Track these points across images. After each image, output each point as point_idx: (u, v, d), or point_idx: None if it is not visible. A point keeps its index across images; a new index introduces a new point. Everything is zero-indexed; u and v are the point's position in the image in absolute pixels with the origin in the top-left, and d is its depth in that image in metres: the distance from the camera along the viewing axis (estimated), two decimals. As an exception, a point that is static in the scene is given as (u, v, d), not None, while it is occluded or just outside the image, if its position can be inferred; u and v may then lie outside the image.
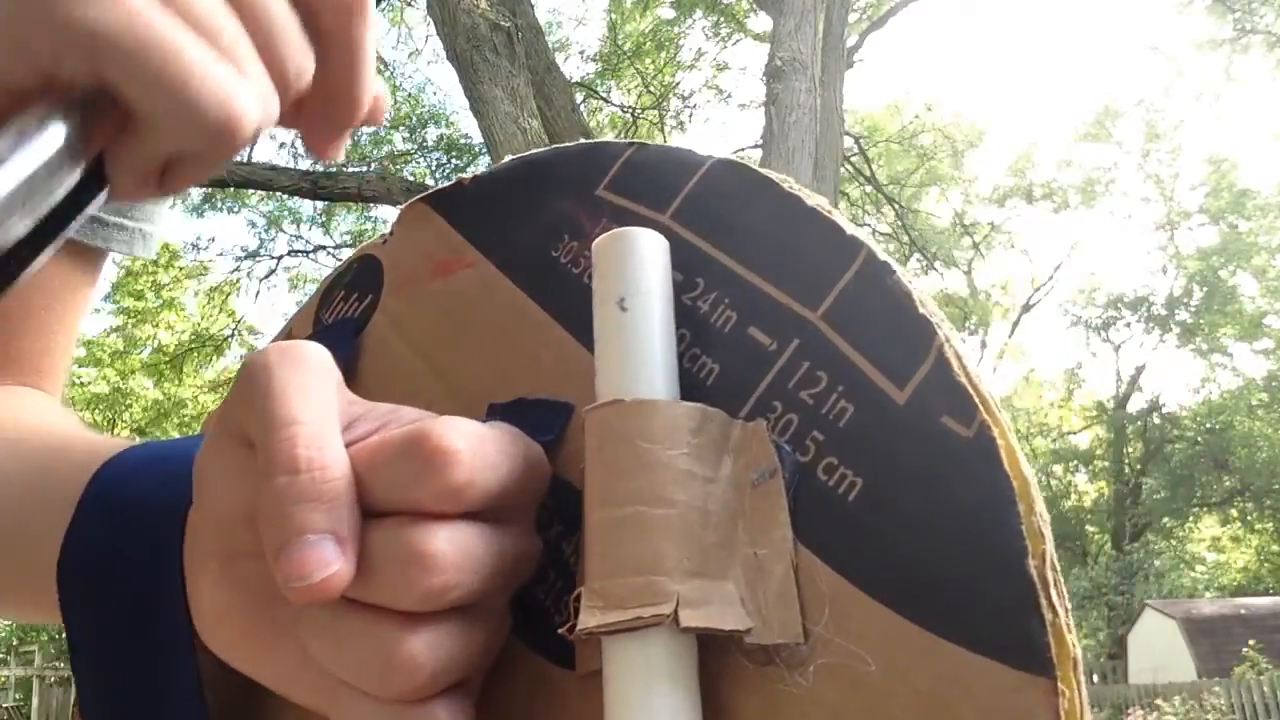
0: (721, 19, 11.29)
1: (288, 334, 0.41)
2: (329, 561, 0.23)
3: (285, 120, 0.29)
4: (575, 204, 0.31)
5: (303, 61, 0.27)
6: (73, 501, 0.36)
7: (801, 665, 0.25)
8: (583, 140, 0.36)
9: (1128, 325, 18.77)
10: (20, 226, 0.20)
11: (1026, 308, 19.58)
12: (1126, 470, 18.30)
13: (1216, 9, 13.21)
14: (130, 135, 0.23)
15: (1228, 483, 16.96)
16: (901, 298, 0.27)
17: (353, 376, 0.37)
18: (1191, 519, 18.04)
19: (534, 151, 0.36)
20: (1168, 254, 18.60)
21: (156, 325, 13.02)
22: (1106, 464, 18.83)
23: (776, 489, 0.27)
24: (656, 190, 0.33)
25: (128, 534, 0.35)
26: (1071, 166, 19.59)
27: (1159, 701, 10.36)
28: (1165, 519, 17.81)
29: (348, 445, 0.26)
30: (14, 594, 0.41)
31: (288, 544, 0.24)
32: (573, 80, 8.53)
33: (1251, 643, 11.20)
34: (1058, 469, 19.71)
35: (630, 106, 11.15)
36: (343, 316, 0.39)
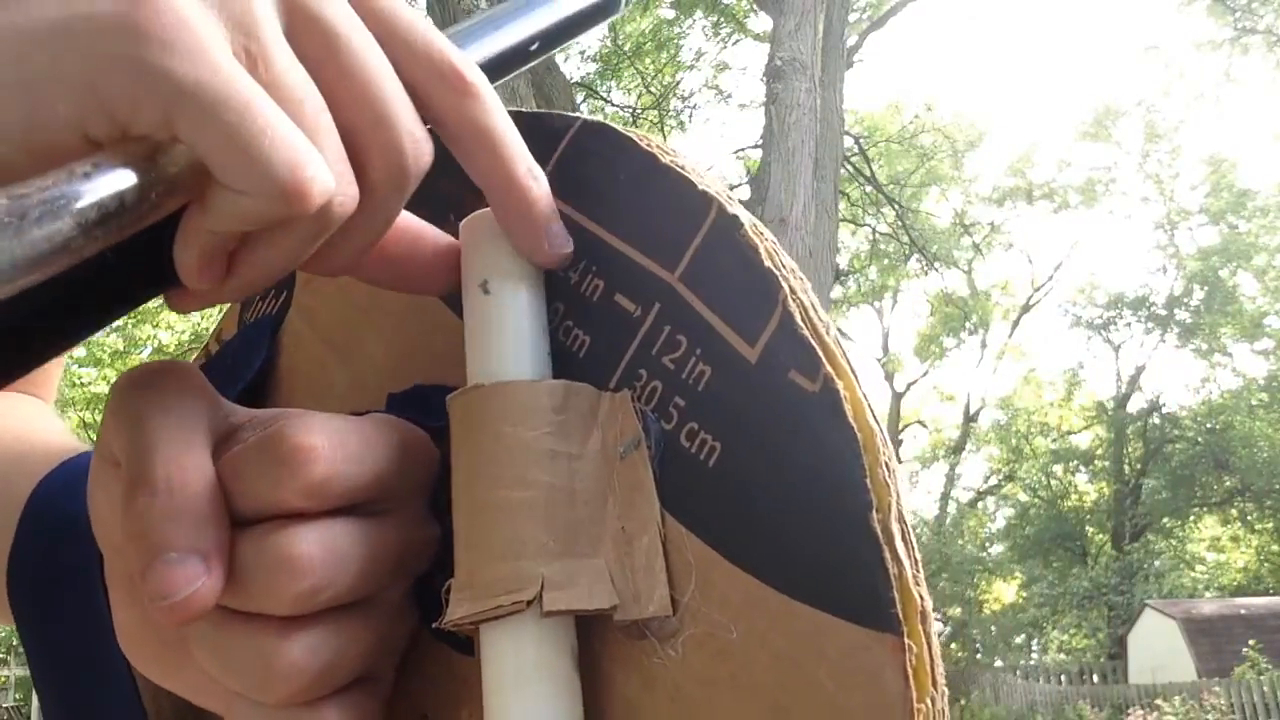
0: (721, 19, 11.29)
1: (216, 335, 0.41)
2: (192, 578, 0.23)
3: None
4: (459, 182, 0.31)
5: (419, 138, 0.25)
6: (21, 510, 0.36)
7: (672, 637, 0.25)
8: None
9: (1128, 325, 18.74)
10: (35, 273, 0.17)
11: (1026, 308, 19.55)
12: (1126, 470, 18.24)
13: (1216, 9, 13.19)
14: (200, 202, 0.22)
15: (1228, 483, 16.90)
16: (749, 252, 0.26)
17: (273, 374, 0.37)
18: (1191, 519, 17.98)
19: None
20: (1168, 254, 18.57)
21: (156, 325, 12.99)
22: (1107, 464, 18.77)
23: (642, 460, 0.26)
24: None
25: (63, 547, 0.35)
26: (1071, 166, 19.58)
27: (1159, 701, 10.35)
28: (1165, 519, 17.75)
29: (224, 457, 0.26)
30: None
31: (151, 564, 0.23)
32: (573, 80, 8.53)
33: (1251, 643, 11.17)
34: (1058, 469, 19.65)
35: (630, 106, 11.16)
36: (262, 315, 0.39)
